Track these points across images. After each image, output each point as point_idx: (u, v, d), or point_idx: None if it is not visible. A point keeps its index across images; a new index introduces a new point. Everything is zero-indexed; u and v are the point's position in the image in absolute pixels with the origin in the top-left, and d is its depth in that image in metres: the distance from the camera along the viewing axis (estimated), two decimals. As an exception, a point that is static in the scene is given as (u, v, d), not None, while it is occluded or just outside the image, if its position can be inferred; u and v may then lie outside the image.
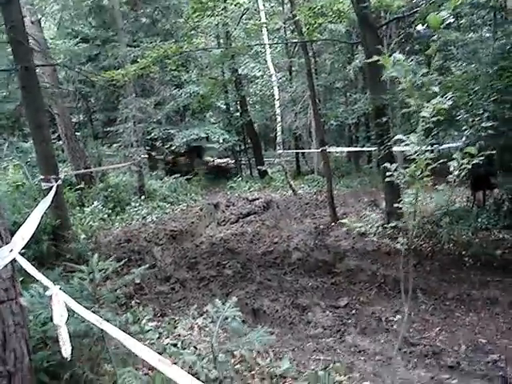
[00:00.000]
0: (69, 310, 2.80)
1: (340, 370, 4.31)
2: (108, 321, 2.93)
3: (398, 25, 20.13)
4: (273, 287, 7.43)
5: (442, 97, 2.75)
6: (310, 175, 22.88)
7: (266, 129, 33.26)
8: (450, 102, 2.69)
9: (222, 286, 7.66)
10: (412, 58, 24.55)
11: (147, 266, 4.56)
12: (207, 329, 5.14)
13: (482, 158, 2.85)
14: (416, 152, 2.81)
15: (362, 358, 4.77)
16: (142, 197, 15.36)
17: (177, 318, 5.89)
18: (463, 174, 2.90)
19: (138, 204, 14.54)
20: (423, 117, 2.76)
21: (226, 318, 4.02)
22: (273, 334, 4.14)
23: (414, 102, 2.78)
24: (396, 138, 2.90)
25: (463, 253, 7.87)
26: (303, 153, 28.19)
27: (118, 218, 13.22)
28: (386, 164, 3.13)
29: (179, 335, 5.25)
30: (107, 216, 12.87)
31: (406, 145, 2.86)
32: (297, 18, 10.37)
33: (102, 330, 3.57)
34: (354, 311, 6.23)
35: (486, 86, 7.27)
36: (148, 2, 19.87)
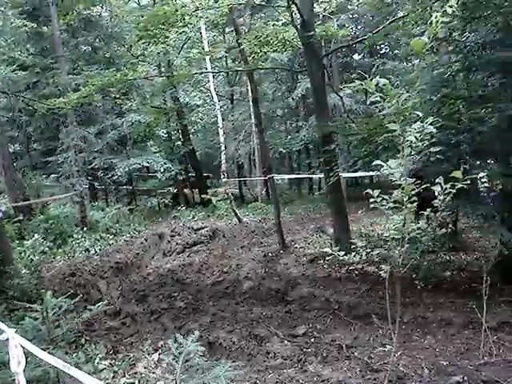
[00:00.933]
0: (26, 354, 2.60)
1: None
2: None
3: (336, 54, 20.70)
4: (227, 318, 7.28)
5: (422, 122, 2.76)
6: (254, 203, 22.91)
7: (207, 157, 33.20)
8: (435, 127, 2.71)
9: (175, 319, 7.44)
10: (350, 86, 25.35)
11: (105, 302, 4.35)
12: (164, 365, 4.94)
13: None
14: (401, 177, 2.81)
15: (327, 388, 4.68)
16: (85, 228, 14.88)
17: (131, 355, 5.65)
18: (448, 198, 2.92)
19: (80, 236, 14.05)
20: (410, 141, 2.76)
21: (189, 353, 3.87)
22: (239, 369, 3.98)
23: (397, 126, 2.77)
24: (375, 163, 2.88)
25: (413, 276, 7.97)
26: (245, 181, 28.28)
27: (60, 250, 12.71)
28: (368, 191, 3.12)
29: (136, 373, 5.02)
30: (48, 249, 12.33)
31: (385, 170, 2.85)
32: (242, 46, 10.44)
33: (57, 374, 3.36)
34: (312, 339, 6.15)
35: (429, 113, 7.49)
36: (89, 29, 19.58)
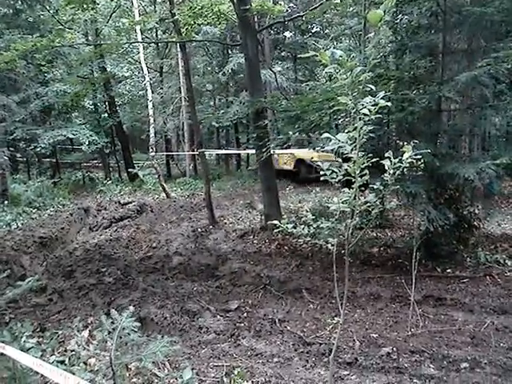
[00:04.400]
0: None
1: (243, 376, 4.24)
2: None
3: (268, 31, 20.65)
4: (157, 293, 7.18)
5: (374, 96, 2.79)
6: (182, 178, 22.77)
7: (135, 131, 32.52)
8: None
9: (104, 295, 7.26)
10: (281, 63, 25.31)
11: (35, 277, 4.16)
12: (95, 342, 4.81)
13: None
14: (352, 151, 2.83)
15: (261, 361, 4.73)
16: (6, 202, 14.22)
17: (60, 332, 5.48)
18: (398, 172, 2.98)
19: (1, 210, 13.43)
20: (364, 114, 2.77)
21: (123, 329, 3.79)
22: (177, 344, 3.93)
23: (349, 99, 2.78)
24: (324, 136, 2.89)
25: (342, 252, 8.15)
26: (172, 156, 27.97)
27: (-21, 225, 12.11)
28: (319, 163, 3.14)
29: (66, 351, 4.87)
30: (-34, 223, 11.75)
31: (333, 143, 2.87)
32: (176, 17, 10.18)
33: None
34: (245, 314, 6.19)
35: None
36: (11, -12, 18.42)
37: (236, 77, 23.65)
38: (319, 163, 3.21)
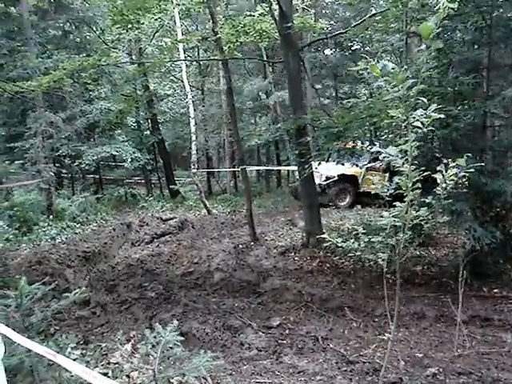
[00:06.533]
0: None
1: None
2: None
3: (309, 49, 20.70)
4: (199, 309, 7.19)
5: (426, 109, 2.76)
6: (223, 195, 22.88)
7: (176, 148, 32.91)
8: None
9: (146, 309, 7.31)
10: (322, 80, 25.27)
11: (82, 289, 4.22)
12: (138, 355, 4.84)
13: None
14: (404, 164, 2.80)
15: (303, 379, 4.65)
16: (51, 216, 14.56)
17: (103, 345, 5.52)
18: (450, 185, 2.93)
19: (46, 224, 13.75)
20: (416, 127, 2.74)
21: (167, 343, 3.80)
22: (219, 359, 3.92)
23: (401, 112, 2.76)
24: (373, 149, 2.88)
25: (385, 270, 8.02)
26: (214, 173, 28.18)
27: (25, 238, 12.41)
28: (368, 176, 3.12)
29: (109, 363, 4.91)
30: (13, 236, 12.06)
31: (384, 157, 2.84)
32: (219, 35, 10.32)
33: (31, 364, 3.25)
34: (287, 331, 6.12)
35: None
36: (60, 12, 19.03)
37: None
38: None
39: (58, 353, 4.86)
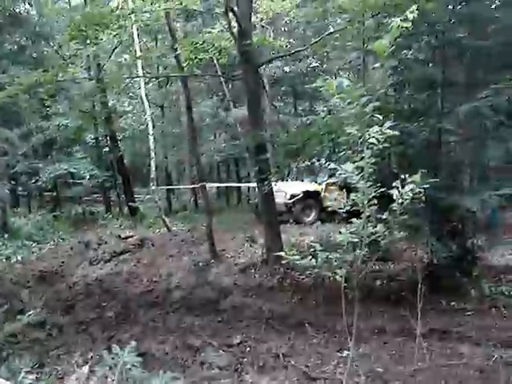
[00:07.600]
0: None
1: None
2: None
3: (268, 66, 20.87)
4: (158, 328, 7.11)
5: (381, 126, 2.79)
6: (183, 212, 22.72)
7: (136, 165, 32.59)
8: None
9: (104, 330, 7.16)
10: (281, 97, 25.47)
11: (37, 310, 4.10)
12: (95, 378, 4.72)
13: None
14: (360, 180, 2.83)
15: (265, 398, 4.63)
16: (6, 235, 14.17)
17: (59, 368, 5.38)
18: (406, 201, 2.96)
19: (0, 243, 13.38)
20: (371, 143, 2.78)
21: (125, 365, 3.73)
22: (179, 379, 3.86)
23: (356, 129, 2.79)
24: (330, 166, 2.90)
25: (344, 285, 8.07)
26: (174, 190, 27.96)
27: (-22, 257, 12.05)
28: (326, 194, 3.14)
29: (65, 387, 4.78)
30: (-36, 256, 11.69)
31: (339, 174, 2.87)
32: (178, 52, 10.31)
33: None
34: (248, 349, 6.09)
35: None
36: (17, 26, 18.60)
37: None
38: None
39: (11, 377, 4.72)
